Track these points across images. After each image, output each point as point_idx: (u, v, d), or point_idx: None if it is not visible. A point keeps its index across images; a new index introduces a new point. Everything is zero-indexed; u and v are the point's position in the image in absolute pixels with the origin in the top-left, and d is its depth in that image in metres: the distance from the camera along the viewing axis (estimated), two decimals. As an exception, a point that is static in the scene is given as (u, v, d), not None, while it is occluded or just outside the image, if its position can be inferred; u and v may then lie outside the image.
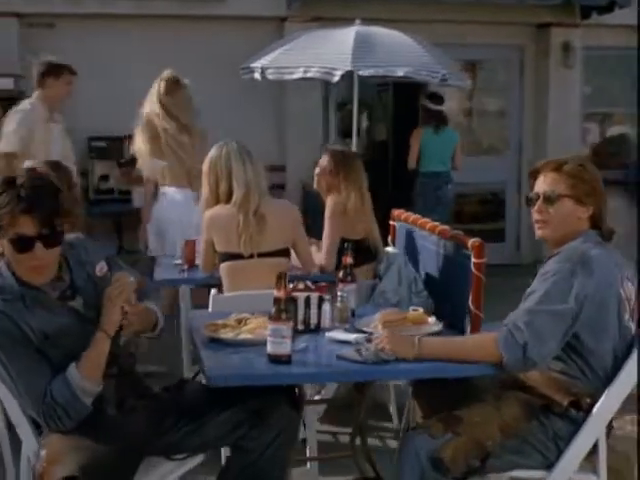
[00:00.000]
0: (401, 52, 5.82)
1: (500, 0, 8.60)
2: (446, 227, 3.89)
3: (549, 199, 2.77)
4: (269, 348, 2.51)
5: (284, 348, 2.48)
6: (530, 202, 2.84)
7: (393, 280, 4.02)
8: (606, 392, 2.63)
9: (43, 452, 2.45)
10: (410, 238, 4.34)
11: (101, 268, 2.68)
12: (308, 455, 3.49)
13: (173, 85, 5.42)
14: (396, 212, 4.64)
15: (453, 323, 3.71)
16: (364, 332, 2.77)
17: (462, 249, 3.58)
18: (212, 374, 2.51)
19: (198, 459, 2.69)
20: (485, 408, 2.67)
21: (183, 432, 2.62)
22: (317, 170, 4.45)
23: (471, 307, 3.43)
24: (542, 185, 2.81)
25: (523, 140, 9.42)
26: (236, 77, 7.16)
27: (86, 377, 2.45)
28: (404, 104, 9.38)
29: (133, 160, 7.88)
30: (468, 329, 3.44)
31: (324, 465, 3.35)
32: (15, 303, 2.45)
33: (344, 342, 2.69)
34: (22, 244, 2.41)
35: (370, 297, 4.06)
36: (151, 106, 5.41)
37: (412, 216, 4.34)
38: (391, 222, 4.64)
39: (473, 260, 3.43)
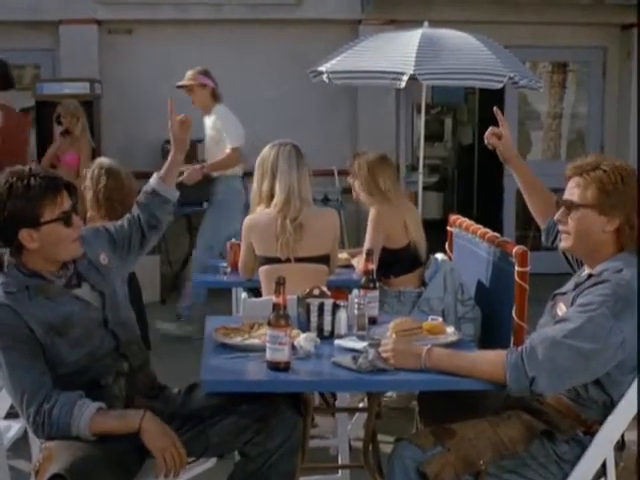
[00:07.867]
0: (465, 57, 5.67)
1: (582, 0, 8.36)
2: (495, 234, 3.80)
3: (569, 207, 2.51)
4: (267, 355, 2.47)
5: (282, 355, 2.44)
6: (557, 208, 2.58)
7: (439, 287, 3.95)
8: (615, 409, 2.45)
9: (43, 447, 2.47)
10: (464, 245, 4.26)
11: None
12: (340, 463, 3.45)
13: None
14: (452, 218, 4.55)
15: (499, 333, 3.63)
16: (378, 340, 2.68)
17: (508, 257, 3.49)
18: (206, 379, 2.49)
19: (208, 464, 2.67)
20: (481, 424, 2.50)
21: (187, 436, 2.60)
22: (349, 179, 4.38)
23: (514, 317, 3.34)
24: (567, 190, 2.54)
25: (605, 143, 9.12)
26: (311, 80, 7.14)
27: (90, 430, 2.43)
28: (490, 106, 9.20)
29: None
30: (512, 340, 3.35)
31: (357, 472, 3.29)
32: (19, 295, 2.48)
33: (352, 350, 2.60)
34: (68, 218, 2.52)
35: (415, 305, 4.01)
36: None
37: (466, 222, 4.26)
38: (448, 228, 4.56)
39: (516, 269, 3.34)
